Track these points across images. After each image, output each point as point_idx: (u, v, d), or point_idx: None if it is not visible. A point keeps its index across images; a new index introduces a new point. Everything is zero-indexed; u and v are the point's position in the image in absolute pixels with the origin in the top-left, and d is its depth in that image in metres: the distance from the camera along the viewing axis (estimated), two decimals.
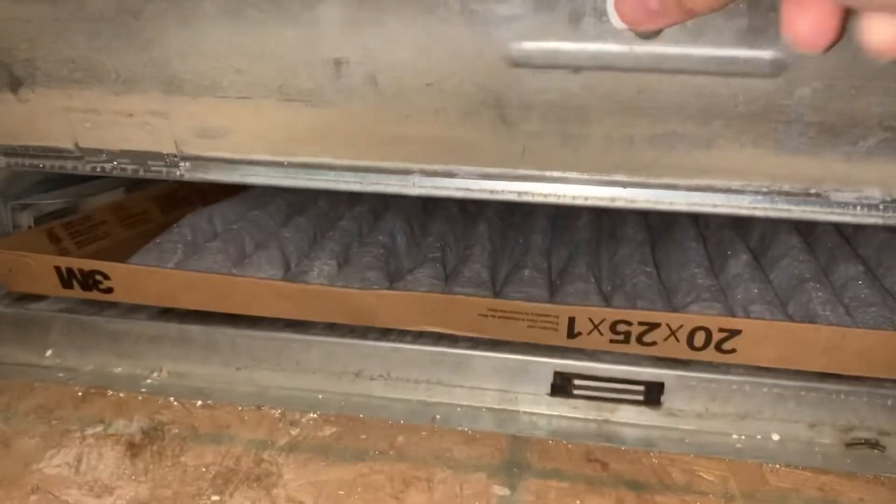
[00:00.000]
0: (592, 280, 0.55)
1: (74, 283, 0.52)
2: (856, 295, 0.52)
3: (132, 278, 0.51)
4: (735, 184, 0.43)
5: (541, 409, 0.48)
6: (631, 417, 0.47)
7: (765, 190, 0.42)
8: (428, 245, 0.63)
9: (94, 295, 0.52)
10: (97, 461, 0.42)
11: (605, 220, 0.70)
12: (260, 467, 0.41)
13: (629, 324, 0.46)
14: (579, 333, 0.47)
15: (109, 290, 0.52)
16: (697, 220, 0.67)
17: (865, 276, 0.55)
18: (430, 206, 0.77)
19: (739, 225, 0.65)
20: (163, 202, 0.75)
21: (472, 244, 0.62)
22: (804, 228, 0.64)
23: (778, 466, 0.43)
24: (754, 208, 0.43)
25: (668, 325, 0.45)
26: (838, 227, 0.64)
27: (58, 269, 0.52)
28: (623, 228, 0.64)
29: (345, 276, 0.55)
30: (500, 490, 0.40)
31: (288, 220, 0.67)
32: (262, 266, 0.56)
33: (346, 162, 0.46)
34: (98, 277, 0.51)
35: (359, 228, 0.67)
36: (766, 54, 0.38)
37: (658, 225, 0.68)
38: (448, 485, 0.40)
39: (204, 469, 0.41)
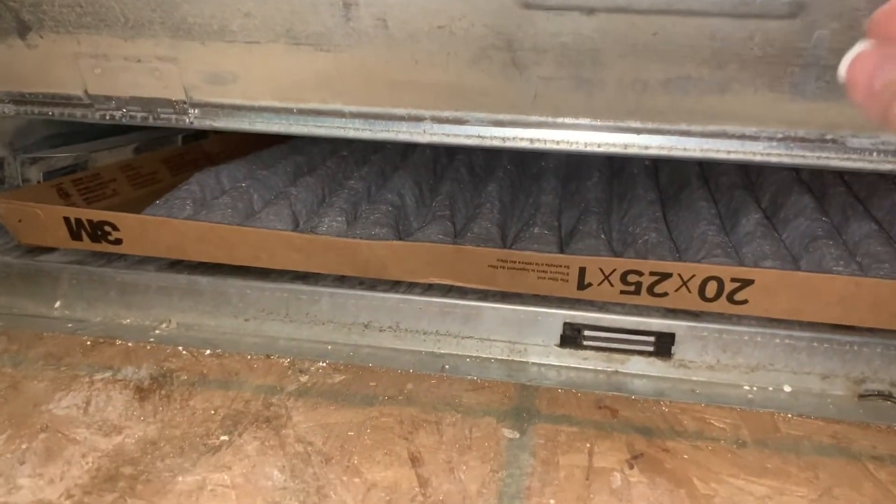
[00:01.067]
0: (603, 237, 0.55)
1: (83, 234, 0.52)
2: (869, 251, 0.51)
3: (141, 229, 0.51)
4: (749, 130, 0.42)
5: (550, 360, 0.48)
6: (641, 368, 0.47)
7: (780, 136, 0.42)
8: (437, 203, 0.62)
9: (103, 247, 0.52)
10: (106, 403, 0.42)
11: (616, 181, 0.70)
12: (269, 410, 0.41)
13: (640, 274, 0.45)
14: (590, 284, 0.46)
15: (118, 242, 0.51)
16: (708, 182, 0.66)
17: (879, 233, 0.54)
18: (439, 168, 0.76)
19: (751, 186, 0.65)
20: (172, 164, 0.75)
21: (482, 203, 0.62)
22: (817, 190, 0.63)
23: (790, 416, 0.43)
24: (769, 154, 0.42)
25: (679, 275, 0.45)
26: (851, 189, 0.63)
27: (66, 219, 0.52)
28: (634, 189, 0.63)
29: (354, 232, 0.54)
30: (509, 433, 0.40)
31: (296, 179, 0.67)
32: (271, 222, 0.55)
33: (355, 108, 0.46)
34: (107, 229, 0.51)
35: (367, 188, 0.66)
36: None
37: (669, 186, 0.67)
38: (457, 427, 0.40)
39: (213, 412, 0.41)
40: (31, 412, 0.41)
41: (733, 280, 0.44)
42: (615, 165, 0.74)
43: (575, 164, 0.75)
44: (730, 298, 0.45)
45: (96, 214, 0.51)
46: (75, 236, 0.52)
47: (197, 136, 0.85)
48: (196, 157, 0.81)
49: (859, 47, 0.27)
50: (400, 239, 0.56)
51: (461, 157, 0.76)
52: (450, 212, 0.60)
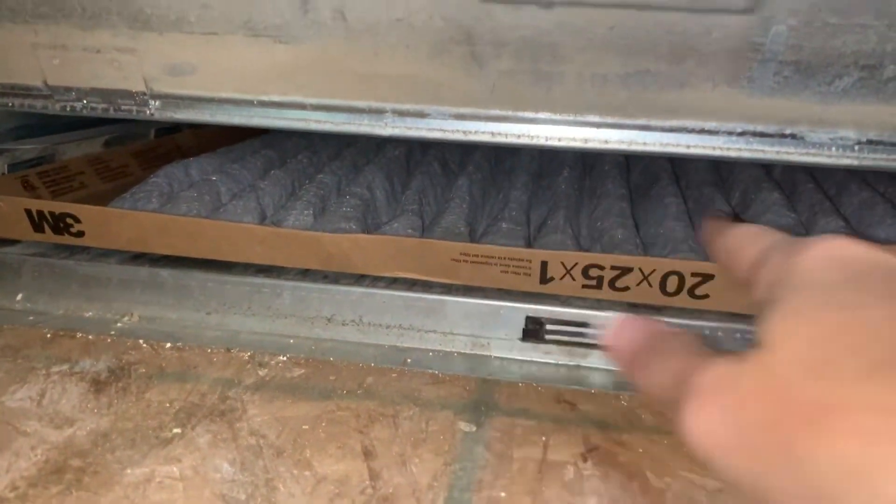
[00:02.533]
0: (570, 232, 0.55)
1: (45, 226, 0.51)
2: None
3: (103, 221, 0.50)
4: (709, 124, 0.42)
5: (512, 354, 0.48)
6: (602, 363, 0.47)
7: (739, 130, 0.42)
8: (406, 198, 0.62)
9: (65, 239, 0.51)
10: (60, 396, 0.42)
11: (588, 178, 0.70)
12: (225, 404, 0.41)
13: (601, 268, 0.45)
14: (552, 279, 0.46)
15: (81, 234, 0.51)
16: (679, 179, 0.66)
17: (846, 230, 0.54)
18: (412, 163, 0.76)
19: (721, 183, 0.65)
20: (143, 158, 0.75)
21: (452, 197, 0.62)
22: (787, 187, 0.63)
23: None
24: (728, 149, 0.42)
25: (640, 269, 0.45)
26: (821, 186, 0.63)
27: (28, 211, 0.51)
28: (604, 185, 0.63)
29: (321, 226, 0.54)
30: (465, 427, 0.40)
31: (266, 173, 0.67)
32: (238, 215, 0.55)
33: (316, 101, 0.45)
34: (69, 220, 0.51)
35: (337, 182, 0.66)
36: None
37: (640, 185, 0.67)
38: (414, 421, 0.40)
39: (168, 404, 0.41)
40: None
41: (694, 275, 0.44)
42: (587, 162, 0.74)
43: (547, 161, 0.75)
44: (691, 293, 0.45)
45: (58, 206, 0.51)
46: (38, 228, 0.52)
47: (171, 130, 0.85)
48: (168, 151, 0.80)
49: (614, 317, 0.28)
50: (368, 233, 0.56)
51: (434, 152, 0.76)
52: (419, 206, 0.60)
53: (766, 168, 0.64)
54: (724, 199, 0.58)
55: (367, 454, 0.37)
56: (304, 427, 0.39)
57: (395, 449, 0.38)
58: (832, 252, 0.25)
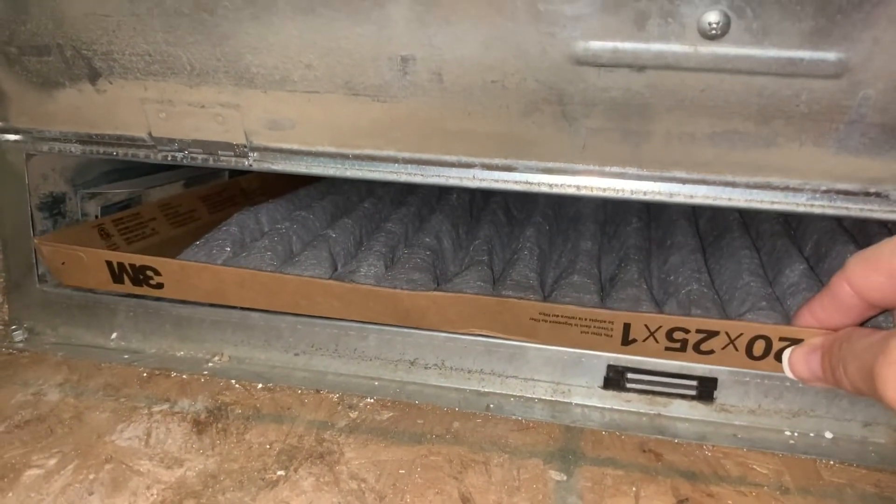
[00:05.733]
0: (644, 286, 0.55)
1: (125, 277, 0.53)
2: None
3: (182, 274, 0.52)
4: (793, 182, 0.43)
5: (593, 402, 0.49)
6: (684, 412, 0.48)
7: (823, 188, 0.43)
8: (475, 248, 0.63)
9: (145, 290, 0.53)
10: (165, 436, 0.44)
11: (654, 227, 0.71)
12: (322, 446, 0.43)
13: (686, 331, 0.45)
14: (634, 340, 0.47)
15: (160, 286, 0.52)
16: (749, 229, 0.67)
17: None
18: (475, 210, 0.78)
19: (792, 234, 0.65)
20: (210, 202, 0.77)
21: (520, 248, 0.63)
22: (861, 240, 0.63)
23: (832, 462, 0.43)
24: (812, 205, 0.43)
25: (727, 332, 0.45)
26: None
27: (109, 263, 0.53)
28: (673, 236, 0.64)
29: (392, 277, 0.55)
30: (556, 475, 0.41)
31: (334, 220, 0.69)
32: (310, 265, 0.56)
33: (408, 155, 0.47)
34: (149, 273, 0.52)
35: (405, 231, 0.67)
36: (830, 56, 0.38)
37: (709, 233, 0.68)
38: (505, 468, 0.41)
39: (268, 446, 0.43)
40: (96, 443, 0.43)
41: (781, 339, 0.44)
42: (653, 210, 0.75)
43: (612, 208, 0.76)
44: (777, 357, 0.45)
45: (138, 259, 0.52)
46: (117, 279, 0.53)
47: (240, 171, 0.87)
48: (233, 195, 0.83)
49: (788, 351, 0.42)
50: (438, 283, 0.57)
51: (497, 198, 0.78)
52: (488, 257, 0.61)
53: (838, 218, 0.65)
54: (798, 251, 0.58)
55: (466, 501, 0.38)
56: (400, 471, 0.41)
57: (491, 497, 0.39)
58: None
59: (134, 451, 0.42)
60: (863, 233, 0.64)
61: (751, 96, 0.41)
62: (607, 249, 0.66)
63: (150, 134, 0.51)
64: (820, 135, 0.41)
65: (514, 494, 0.39)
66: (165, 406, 0.47)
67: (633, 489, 0.40)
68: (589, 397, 0.49)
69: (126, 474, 0.40)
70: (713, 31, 0.39)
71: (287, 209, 0.70)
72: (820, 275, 0.57)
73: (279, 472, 0.40)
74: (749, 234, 0.64)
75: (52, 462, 0.41)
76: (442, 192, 0.81)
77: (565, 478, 0.41)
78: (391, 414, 0.47)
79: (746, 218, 0.69)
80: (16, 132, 0.53)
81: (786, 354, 0.42)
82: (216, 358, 0.53)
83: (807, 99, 0.40)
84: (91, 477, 0.39)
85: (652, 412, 0.48)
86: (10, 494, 0.38)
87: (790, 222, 0.68)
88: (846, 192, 0.43)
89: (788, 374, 0.41)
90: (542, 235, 0.67)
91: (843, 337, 0.37)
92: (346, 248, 0.62)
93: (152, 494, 0.38)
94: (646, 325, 0.46)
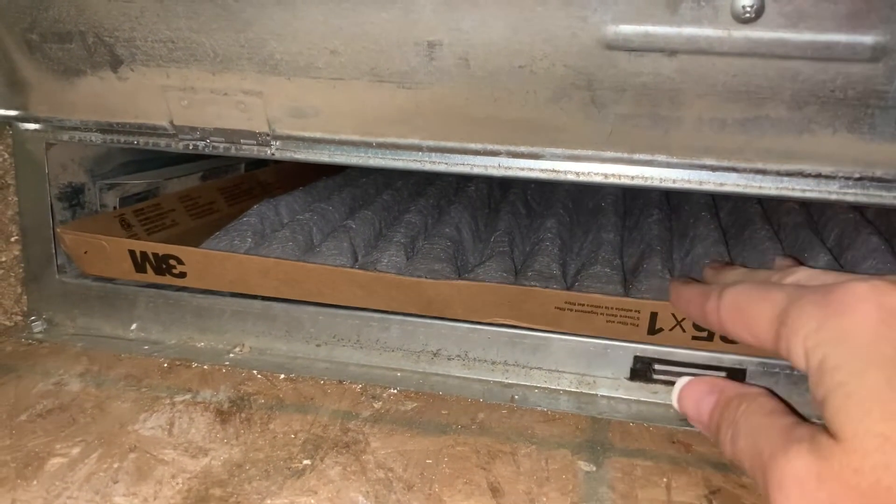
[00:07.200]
0: (668, 277, 0.54)
1: (148, 266, 0.53)
2: None
3: (206, 263, 0.52)
4: (826, 169, 0.43)
5: (619, 394, 0.48)
6: None
7: (856, 175, 0.42)
8: (496, 239, 0.63)
9: (167, 279, 0.53)
10: (189, 425, 0.43)
11: (675, 219, 0.70)
12: (347, 436, 0.42)
13: None
14: (661, 329, 0.47)
15: (182, 275, 0.52)
16: (771, 221, 0.66)
17: None
18: (493, 201, 0.77)
19: (815, 226, 0.64)
20: (228, 194, 0.77)
21: (542, 238, 0.63)
22: (885, 230, 0.63)
23: None
24: (845, 193, 0.43)
25: None
26: None
27: (132, 252, 0.53)
28: (696, 228, 0.64)
29: (413, 267, 0.55)
30: (585, 466, 0.40)
31: (353, 212, 0.68)
32: (331, 255, 0.56)
33: (432, 143, 0.47)
34: (172, 262, 0.52)
35: (424, 222, 0.67)
36: (867, 39, 0.38)
37: (731, 225, 0.67)
38: (533, 459, 0.41)
39: (293, 435, 0.42)
40: (119, 432, 0.42)
41: None
42: (673, 201, 0.74)
43: (631, 199, 0.76)
44: None
45: (161, 248, 0.52)
46: (140, 269, 0.53)
47: (257, 164, 0.87)
48: (251, 187, 0.83)
49: (684, 380, 0.34)
50: (459, 274, 0.56)
51: (516, 189, 0.77)
52: (509, 248, 0.61)
53: (860, 209, 0.64)
54: (821, 242, 0.58)
55: (495, 491, 0.38)
56: (427, 461, 0.40)
57: (520, 487, 0.38)
58: (881, 304, 0.25)
59: (157, 440, 0.41)
60: (886, 223, 0.63)
61: (784, 81, 0.40)
62: (629, 241, 0.65)
63: (171, 122, 0.50)
64: (854, 121, 0.41)
65: (543, 485, 0.39)
66: (188, 396, 0.46)
67: (664, 480, 0.39)
68: (615, 389, 0.48)
69: (150, 463, 0.39)
70: (747, 15, 0.38)
71: (306, 201, 0.70)
72: (844, 266, 0.56)
73: (305, 462, 0.40)
74: (771, 226, 0.63)
75: (76, 451, 0.40)
76: (460, 184, 0.81)
77: (595, 468, 0.40)
78: (415, 405, 0.46)
79: (768, 210, 0.68)
80: (36, 121, 0.53)
81: (680, 382, 0.34)
82: (237, 349, 0.53)
83: (842, 84, 0.39)
84: (115, 465, 0.39)
85: None
86: (35, 483, 0.37)
87: (812, 214, 0.67)
88: (880, 180, 0.42)
89: (674, 403, 0.34)
90: (563, 227, 0.66)
91: (749, 397, 0.29)
92: (366, 238, 0.62)
93: (178, 483, 0.38)
94: (673, 314, 0.46)
